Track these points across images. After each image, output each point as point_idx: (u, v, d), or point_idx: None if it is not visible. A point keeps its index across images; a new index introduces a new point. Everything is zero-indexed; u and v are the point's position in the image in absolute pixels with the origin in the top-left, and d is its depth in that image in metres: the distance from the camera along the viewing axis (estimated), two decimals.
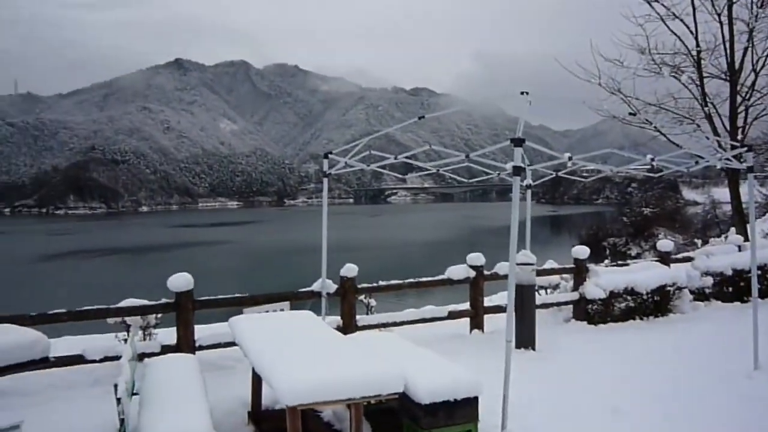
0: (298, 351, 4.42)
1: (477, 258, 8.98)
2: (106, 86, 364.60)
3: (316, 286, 7.96)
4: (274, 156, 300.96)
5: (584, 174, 12.38)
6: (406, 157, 7.14)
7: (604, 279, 9.52)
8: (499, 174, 8.66)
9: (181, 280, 6.97)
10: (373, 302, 8.97)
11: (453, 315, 8.89)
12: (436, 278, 8.98)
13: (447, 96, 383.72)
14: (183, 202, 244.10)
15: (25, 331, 4.20)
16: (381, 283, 8.54)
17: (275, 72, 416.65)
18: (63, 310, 6.64)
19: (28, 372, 4.86)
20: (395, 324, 8.47)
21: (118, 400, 4.01)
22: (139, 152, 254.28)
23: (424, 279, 8.95)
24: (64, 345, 7.18)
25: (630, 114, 16.16)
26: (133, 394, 4.84)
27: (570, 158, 5.85)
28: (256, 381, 5.50)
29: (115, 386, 4.07)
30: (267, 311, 6.87)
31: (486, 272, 9.10)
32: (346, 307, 7.97)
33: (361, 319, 8.26)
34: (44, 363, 4.20)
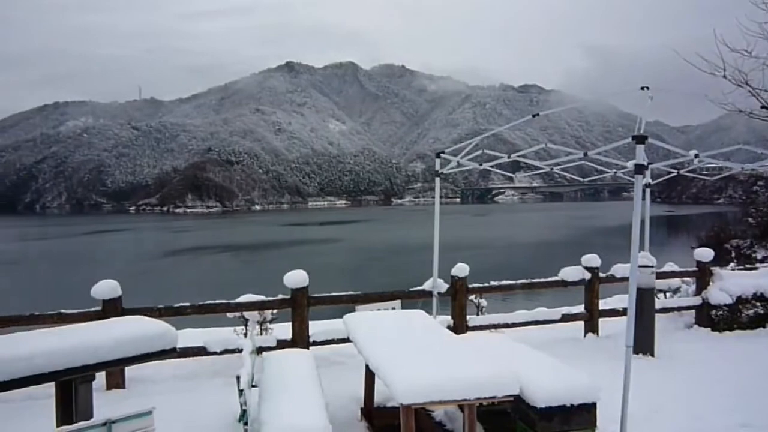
0: (413, 350, 4.43)
1: (593, 259, 8.68)
2: (222, 90, 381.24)
3: (427, 286, 7.95)
4: (381, 155, 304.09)
5: (707, 172, 11.71)
6: (519, 156, 7.00)
7: (730, 283, 8.95)
8: (615, 172, 8.32)
9: (297, 277, 7.15)
10: (483, 302, 8.87)
11: (567, 318, 8.64)
12: (549, 279, 8.75)
13: (557, 92, 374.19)
14: (294, 201, 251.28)
15: (156, 322, 4.43)
16: (492, 283, 8.42)
17: (382, 73, 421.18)
18: (187, 304, 6.98)
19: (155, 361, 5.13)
20: (506, 325, 8.33)
21: (241, 391, 4.16)
22: (252, 153, 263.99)
23: (537, 280, 8.74)
24: (186, 337, 7.56)
25: (763, 107, 15.10)
26: (252, 386, 5.02)
27: (696, 155, 5.53)
28: (370, 378, 5.56)
29: (238, 378, 4.22)
30: (379, 309, 6.94)
31: (601, 274, 8.79)
32: (457, 307, 7.91)
33: (472, 319, 8.18)
34: (172, 353, 4.41)
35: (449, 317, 8.02)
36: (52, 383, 4.02)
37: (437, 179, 7.78)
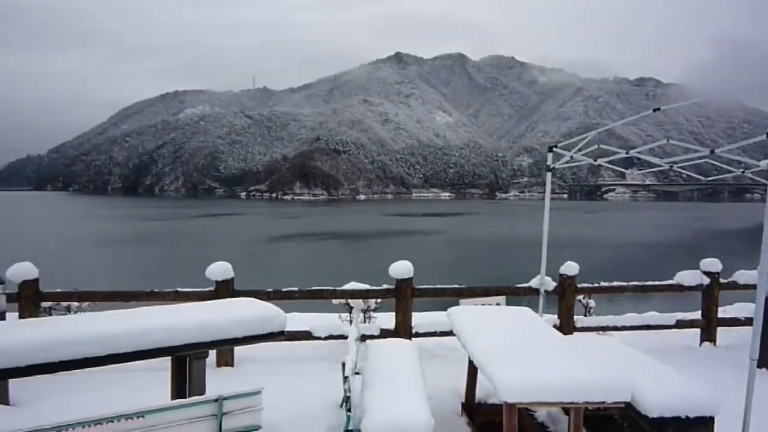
0: (519, 348, 4.33)
1: (713, 264, 8.19)
2: (332, 81, 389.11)
3: (534, 283, 7.77)
4: (487, 148, 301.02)
5: None
6: (638, 153, 6.67)
7: None
8: (743, 171, 7.79)
9: (402, 268, 7.17)
10: (592, 303, 8.58)
11: (681, 324, 8.20)
12: (664, 283, 8.33)
13: (677, 86, 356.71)
14: (398, 191, 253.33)
15: (267, 305, 4.55)
16: (602, 283, 8.12)
17: (492, 64, 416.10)
18: (295, 289, 7.15)
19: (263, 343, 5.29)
20: (615, 328, 8.02)
21: (346, 377, 4.21)
22: (359, 143, 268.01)
23: (650, 283, 8.34)
24: (293, 320, 7.75)
25: None
26: (355, 373, 5.08)
27: None
28: (472, 373, 5.50)
29: (343, 364, 4.28)
30: (483, 304, 6.85)
31: (722, 280, 8.28)
32: (565, 307, 7.69)
33: (579, 320, 7.93)
34: (281, 336, 4.52)
35: (555, 317, 7.81)
36: (169, 357, 4.22)
37: (548, 174, 7.55)
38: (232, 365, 6.85)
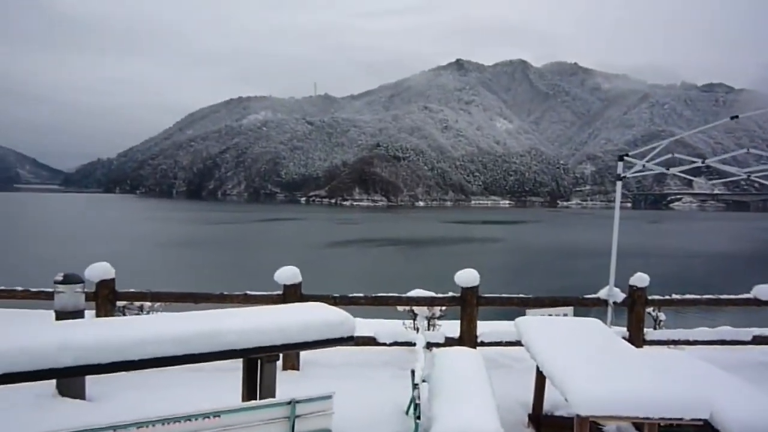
0: (591, 360, 4.24)
1: None
2: (393, 87, 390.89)
3: (602, 294, 7.59)
4: (548, 156, 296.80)
5: None
6: (715, 162, 6.47)
7: None
8: None
9: (468, 276, 7.12)
10: (662, 316, 8.33)
11: (759, 340, 7.88)
12: (740, 296, 8.01)
13: (748, 92, 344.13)
14: (457, 198, 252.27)
15: (336, 310, 4.59)
16: (674, 296, 7.87)
17: (553, 70, 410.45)
18: (361, 294, 7.18)
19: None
20: (687, 342, 7.76)
21: (415, 385, 4.21)
22: (418, 149, 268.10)
23: (725, 296, 8.04)
24: (357, 326, 7.78)
25: None
26: (422, 380, 5.07)
27: None
28: (540, 384, 5.41)
29: (412, 372, 4.28)
30: (550, 314, 6.74)
31: None
32: (634, 319, 7.48)
33: (649, 333, 7.71)
34: (349, 341, 4.54)
35: (624, 329, 7.61)
36: (240, 359, 4.30)
37: (618, 183, 7.38)
38: (298, 369, 6.92)
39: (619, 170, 7.35)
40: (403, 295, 7.29)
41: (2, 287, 7.23)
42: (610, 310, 7.49)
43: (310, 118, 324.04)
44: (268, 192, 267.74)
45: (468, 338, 7.13)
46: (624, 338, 7.41)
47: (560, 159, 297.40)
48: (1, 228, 66.56)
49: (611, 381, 3.80)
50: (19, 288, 7.16)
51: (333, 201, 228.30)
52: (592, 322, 5.62)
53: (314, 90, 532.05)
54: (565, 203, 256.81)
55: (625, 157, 7.22)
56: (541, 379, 5.35)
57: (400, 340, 7.11)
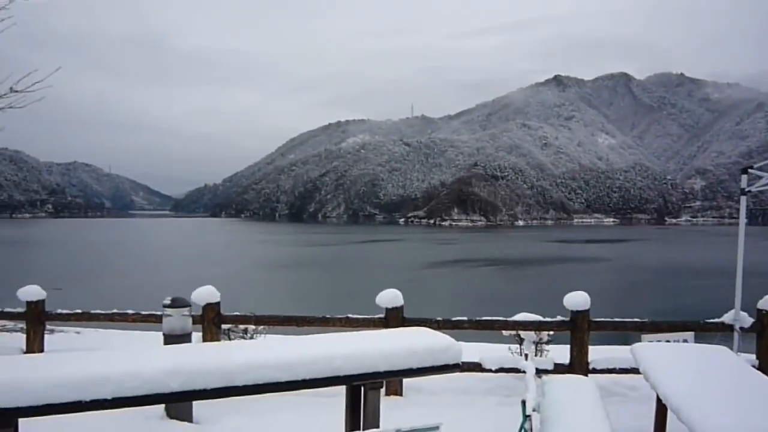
0: (723, 392, 3.86)
1: None
2: (490, 106, 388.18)
3: (727, 318, 7.01)
4: (654, 171, 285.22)
5: None
6: None
7: None
8: None
9: (578, 299, 6.76)
10: None
11: None
12: None
13: None
14: (558, 217, 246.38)
15: (441, 336, 4.41)
16: None
17: (658, 82, 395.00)
18: (465, 318, 6.96)
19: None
20: None
21: (527, 416, 3.97)
22: (517, 168, 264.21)
23: None
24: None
25: None
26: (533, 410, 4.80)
27: None
28: (661, 416, 5.01)
29: (523, 402, 4.04)
30: (668, 341, 6.30)
31: None
32: (765, 347, 6.86)
33: None
34: (455, 369, 4.35)
35: (753, 357, 6.99)
36: (343, 386, 4.19)
37: (743, 198, 6.84)
38: (400, 394, 6.78)
39: (743, 184, 6.81)
40: (509, 318, 7.01)
41: (116, 311, 7.52)
42: (736, 336, 6.89)
43: (408, 140, 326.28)
44: (367, 213, 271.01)
45: (579, 365, 6.75)
46: (754, 367, 6.82)
47: (667, 174, 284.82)
48: (118, 252, 70.62)
49: (748, 416, 3.43)
50: (131, 311, 7.44)
51: (432, 221, 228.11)
52: (718, 350, 5.17)
53: (411, 111, 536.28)
54: (673, 220, 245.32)
55: (750, 170, 6.68)
56: (662, 410, 4.95)
57: (506, 366, 6.81)
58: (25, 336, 7.68)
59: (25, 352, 7.41)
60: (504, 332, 7.30)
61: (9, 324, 11.99)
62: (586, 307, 6.76)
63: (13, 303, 7.71)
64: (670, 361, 4.67)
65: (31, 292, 7.46)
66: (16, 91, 9.39)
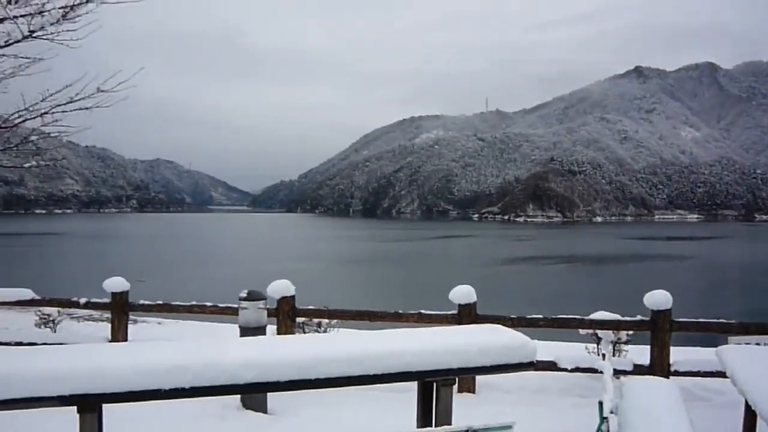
0: None
1: None
2: (566, 99, 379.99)
3: None
4: (742, 165, 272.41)
5: None
6: None
7: None
8: None
9: (660, 298, 6.52)
10: None
11: None
12: None
13: None
14: (638, 213, 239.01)
15: (515, 333, 4.33)
16: None
17: (747, 71, 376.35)
18: (540, 316, 6.83)
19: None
20: None
21: (604, 418, 3.86)
22: (595, 163, 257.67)
23: None
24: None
25: None
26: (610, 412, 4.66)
27: None
28: (750, 423, 4.77)
29: (600, 403, 3.92)
30: (758, 343, 5.99)
31: None
32: None
33: None
34: (529, 367, 4.26)
35: None
36: (415, 382, 4.17)
37: None
38: (473, 392, 6.72)
39: None
40: (586, 317, 6.82)
41: (195, 303, 7.76)
42: None
43: (482, 135, 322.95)
44: (440, 209, 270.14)
45: (660, 367, 6.51)
46: None
47: (757, 168, 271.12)
48: (197, 246, 72.97)
49: None
50: (209, 303, 7.66)
51: (506, 217, 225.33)
52: None
53: (486, 106, 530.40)
54: (764, 217, 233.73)
55: None
56: (751, 418, 4.71)
57: (582, 366, 6.64)
58: (110, 325, 8.02)
59: (110, 341, 7.74)
60: (580, 331, 7.12)
61: (95, 314, 12.56)
62: (668, 307, 6.50)
63: (99, 294, 8.05)
64: (761, 365, 4.44)
65: (116, 283, 7.78)
66: (103, 91, 9.82)
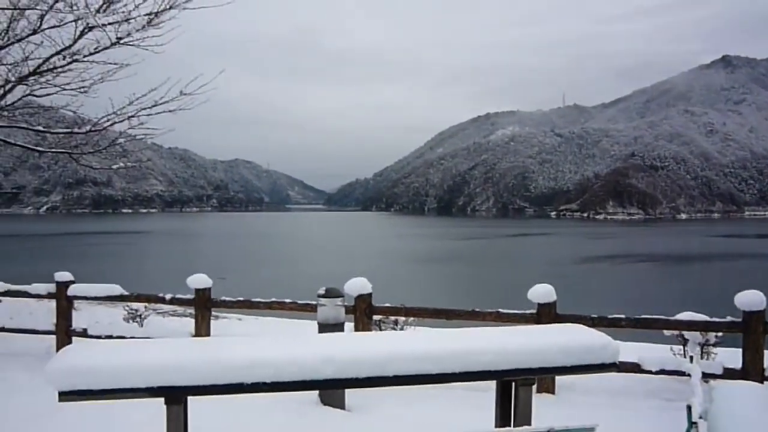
0: None
1: None
2: (648, 92, 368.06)
3: None
4: None
5: None
6: None
7: None
8: None
9: (751, 298, 6.20)
10: None
11: None
12: None
13: None
14: (726, 209, 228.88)
15: (597, 333, 4.21)
16: None
17: None
18: (622, 316, 6.63)
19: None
20: None
21: (693, 423, 3.70)
22: (678, 157, 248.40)
23: None
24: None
25: None
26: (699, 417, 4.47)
27: None
28: None
29: (689, 407, 3.76)
30: None
31: None
32: None
33: None
34: (612, 368, 4.13)
35: None
36: (493, 381, 4.12)
37: None
38: (553, 392, 6.58)
39: None
40: (672, 318, 6.57)
41: (274, 299, 7.93)
42: None
43: (559, 130, 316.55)
44: (516, 207, 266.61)
45: (753, 371, 6.19)
46: None
47: None
48: (276, 244, 74.55)
49: None
50: (288, 300, 7.81)
51: (585, 215, 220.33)
52: None
53: (563, 101, 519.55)
54: None
55: None
56: None
57: (668, 368, 6.39)
58: (193, 321, 8.29)
59: (194, 336, 8.00)
60: (665, 332, 6.86)
61: (179, 309, 13.02)
62: (761, 308, 6.18)
63: (183, 290, 8.34)
64: None
65: (199, 280, 8.03)
66: (186, 94, 10.17)
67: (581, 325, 4.56)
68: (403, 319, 7.94)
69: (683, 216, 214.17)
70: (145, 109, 10.53)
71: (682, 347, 7.04)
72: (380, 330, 7.86)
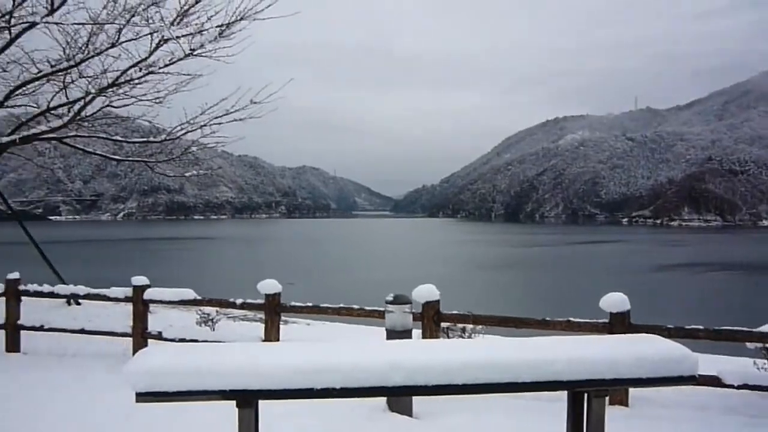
0: None
1: None
2: (726, 93, 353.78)
3: None
4: None
5: None
6: None
7: None
8: None
9: None
10: None
11: None
12: None
13: None
14: None
15: (674, 345, 4.09)
16: None
17: None
18: (700, 327, 6.37)
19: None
20: None
21: None
22: (761, 161, 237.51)
23: None
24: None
25: None
26: None
27: None
28: None
29: None
30: None
31: None
32: None
33: None
34: (691, 381, 4.00)
35: None
36: (564, 392, 4.04)
37: None
38: (626, 404, 6.38)
39: None
40: (755, 330, 6.27)
41: (343, 305, 8.00)
42: None
43: (631, 134, 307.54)
44: (587, 213, 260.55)
45: None
46: None
47: None
48: (343, 250, 75.18)
49: None
50: (356, 306, 7.86)
51: (658, 221, 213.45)
52: None
53: (635, 104, 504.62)
54: None
55: None
56: None
57: (751, 383, 6.10)
58: (263, 326, 8.43)
59: (263, 341, 8.14)
60: (748, 345, 6.56)
61: (250, 314, 13.29)
62: None
63: (253, 295, 8.50)
64: None
65: (269, 285, 8.17)
66: (255, 103, 10.42)
67: (657, 336, 4.43)
68: (470, 326, 7.87)
69: (766, 222, 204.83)
70: (216, 118, 10.86)
71: (766, 361, 6.71)
72: (448, 337, 7.81)
